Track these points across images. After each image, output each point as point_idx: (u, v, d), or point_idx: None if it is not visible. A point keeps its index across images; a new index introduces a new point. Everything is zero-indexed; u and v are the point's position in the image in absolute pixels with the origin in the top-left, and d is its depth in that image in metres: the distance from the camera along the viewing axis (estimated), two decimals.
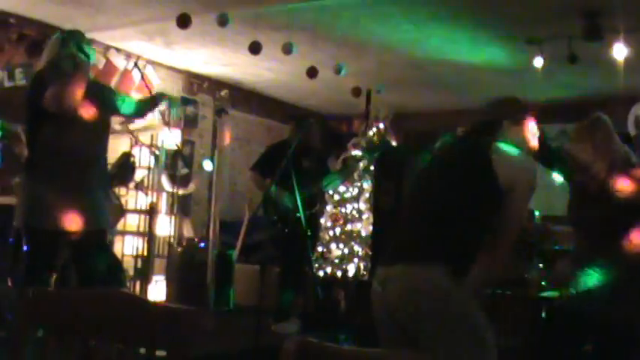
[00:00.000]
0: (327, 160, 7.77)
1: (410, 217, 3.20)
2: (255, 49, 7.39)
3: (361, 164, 8.35)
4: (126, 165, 7.35)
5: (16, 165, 6.55)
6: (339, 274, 8.10)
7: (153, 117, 8.48)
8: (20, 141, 6.79)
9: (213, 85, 10.37)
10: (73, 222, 4.49)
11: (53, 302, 2.06)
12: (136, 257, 8.27)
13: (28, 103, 4.63)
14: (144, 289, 7.82)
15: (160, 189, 8.79)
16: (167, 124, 8.31)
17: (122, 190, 8.06)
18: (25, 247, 4.62)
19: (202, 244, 8.67)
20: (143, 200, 8.61)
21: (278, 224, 6.94)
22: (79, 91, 4.48)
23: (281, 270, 7.18)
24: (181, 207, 9.49)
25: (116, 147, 8.05)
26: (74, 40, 4.80)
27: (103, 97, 4.87)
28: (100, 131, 4.80)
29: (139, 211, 8.55)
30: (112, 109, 4.94)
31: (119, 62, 8.66)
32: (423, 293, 2.92)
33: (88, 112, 4.61)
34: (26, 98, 4.68)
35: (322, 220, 8.50)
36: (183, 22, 6.66)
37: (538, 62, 7.69)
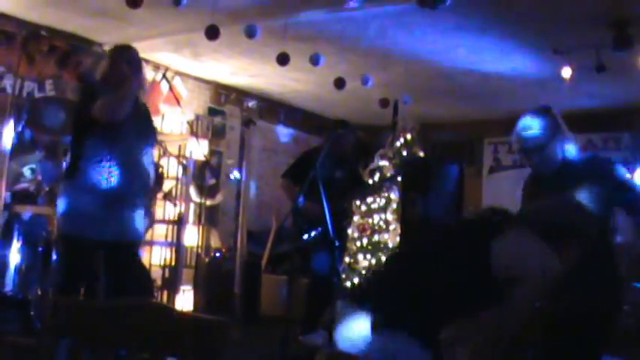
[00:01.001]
0: (358, 171, 7.75)
1: None
2: (282, 60, 7.41)
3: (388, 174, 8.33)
4: (154, 175, 7.41)
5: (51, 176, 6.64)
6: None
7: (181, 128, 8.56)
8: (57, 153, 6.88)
9: (241, 95, 10.42)
10: (111, 232, 4.53)
11: (82, 312, 2.08)
12: (163, 267, 8.31)
13: (76, 113, 4.72)
14: (172, 299, 7.85)
15: (187, 199, 8.83)
16: (195, 134, 8.36)
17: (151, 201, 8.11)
18: (56, 255, 4.67)
19: (217, 254, 8.70)
20: (171, 210, 8.66)
21: (306, 234, 6.91)
22: (126, 103, 4.55)
23: (309, 281, 7.18)
24: (209, 217, 9.53)
25: None
26: (125, 55, 4.88)
27: (148, 117, 4.95)
28: (145, 144, 4.84)
29: (167, 221, 8.60)
30: (152, 134, 5.01)
31: (147, 73, 8.72)
32: None
33: (133, 125, 4.68)
34: (75, 109, 4.77)
35: (350, 231, 8.49)
36: (212, 33, 6.69)
37: (566, 72, 7.65)
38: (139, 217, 4.72)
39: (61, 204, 4.58)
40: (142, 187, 4.77)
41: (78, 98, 4.98)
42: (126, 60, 4.79)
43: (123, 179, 4.60)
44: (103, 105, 4.50)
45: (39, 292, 6.00)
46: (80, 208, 4.52)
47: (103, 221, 4.49)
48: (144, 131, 4.83)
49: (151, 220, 5.27)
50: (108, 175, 4.56)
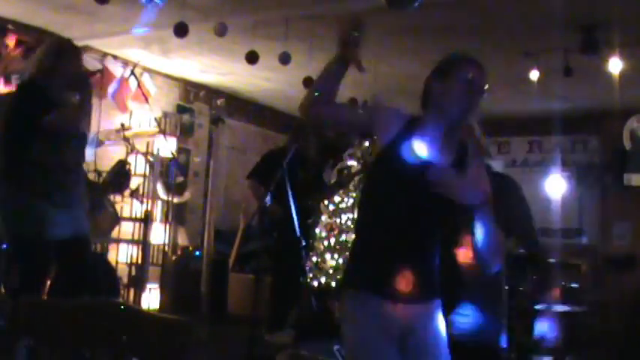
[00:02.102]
0: (322, 172, 7.76)
1: None
2: (251, 58, 7.39)
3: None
4: (121, 172, 7.35)
5: None
6: (333, 284, 8.07)
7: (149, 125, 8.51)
8: None
9: (210, 93, 10.38)
10: (61, 230, 4.49)
11: (45, 311, 2.05)
12: (130, 265, 8.26)
13: (18, 113, 4.56)
14: (138, 297, 7.81)
15: (155, 197, 8.78)
16: (163, 132, 8.30)
17: (117, 198, 8.05)
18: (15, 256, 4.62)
19: (197, 253, 8.67)
20: (138, 208, 8.60)
21: (273, 234, 6.92)
22: (86, 113, 4.50)
23: (273, 280, 7.18)
24: (176, 215, 9.49)
25: (111, 154, 8.05)
26: (77, 54, 4.80)
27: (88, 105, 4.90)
28: (84, 143, 4.81)
29: (134, 219, 8.54)
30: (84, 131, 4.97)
31: (116, 70, 8.67)
32: None
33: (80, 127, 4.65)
34: (16, 108, 4.61)
35: (317, 230, 8.49)
36: (181, 30, 6.66)
37: (534, 75, 7.70)
38: (83, 214, 4.70)
39: (4, 205, 4.53)
40: (81, 183, 4.75)
41: (20, 95, 4.77)
42: (80, 60, 4.73)
43: (67, 179, 4.56)
44: (61, 117, 4.43)
45: (2, 291, 5.92)
46: (26, 209, 4.46)
47: (50, 220, 4.45)
48: (83, 127, 4.80)
49: (116, 218, 5.23)
50: (52, 175, 4.50)
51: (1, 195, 4.56)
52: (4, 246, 5.51)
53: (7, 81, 7.63)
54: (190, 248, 9.06)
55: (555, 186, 10.59)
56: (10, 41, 7.67)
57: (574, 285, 8.22)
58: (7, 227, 4.62)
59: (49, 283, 4.74)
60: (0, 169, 4.56)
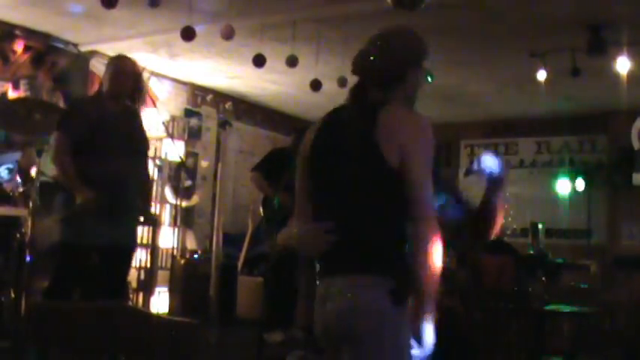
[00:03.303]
0: None
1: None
2: (259, 61, 7.40)
3: None
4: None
5: (22, 177, 6.58)
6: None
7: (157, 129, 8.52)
8: (28, 154, 6.82)
9: (217, 97, 10.39)
10: (107, 240, 4.54)
11: (56, 315, 2.06)
12: (139, 269, 8.27)
13: (67, 127, 4.70)
14: (147, 301, 7.81)
15: (163, 201, 8.79)
16: (171, 136, 8.32)
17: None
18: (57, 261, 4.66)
19: (195, 256, 8.67)
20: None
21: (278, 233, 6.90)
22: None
23: (272, 279, 7.17)
24: (184, 219, 9.50)
25: None
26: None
27: (140, 124, 4.99)
28: (137, 150, 4.86)
29: (143, 223, 8.55)
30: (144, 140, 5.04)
31: None
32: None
33: (126, 134, 4.72)
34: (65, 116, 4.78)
35: None
36: (188, 34, 6.66)
37: (541, 75, 7.69)
38: (133, 225, 4.76)
39: (62, 210, 4.59)
40: (137, 193, 4.80)
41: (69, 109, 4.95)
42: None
43: (118, 187, 4.61)
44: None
45: (12, 295, 5.94)
46: (79, 216, 4.52)
47: (101, 229, 4.50)
48: (136, 138, 4.87)
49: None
50: (107, 184, 4.56)
51: (59, 203, 4.65)
52: (28, 258, 5.53)
53: (16, 86, 7.66)
54: (199, 252, 9.06)
55: (563, 186, 10.57)
56: (19, 47, 7.70)
57: (583, 285, 8.20)
58: (59, 230, 4.68)
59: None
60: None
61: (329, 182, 2.73)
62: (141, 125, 5.07)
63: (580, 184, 10.36)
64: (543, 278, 7.03)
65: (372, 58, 2.91)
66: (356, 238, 2.63)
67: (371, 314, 2.54)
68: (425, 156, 2.64)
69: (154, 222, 6.30)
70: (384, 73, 2.87)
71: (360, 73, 2.91)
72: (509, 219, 10.69)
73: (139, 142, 4.99)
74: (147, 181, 5.25)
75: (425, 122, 2.74)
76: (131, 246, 4.93)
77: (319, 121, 2.93)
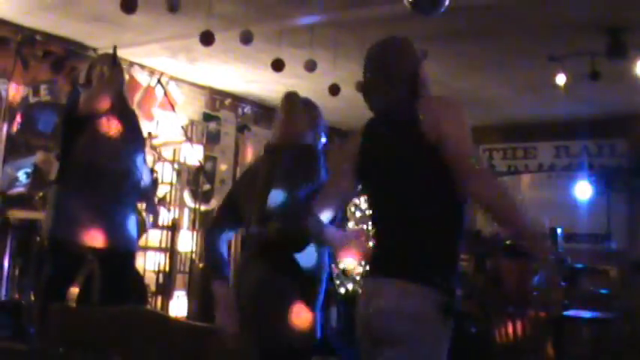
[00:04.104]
0: None
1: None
2: (277, 66, 7.41)
3: None
4: (150, 179, 7.40)
5: (41, 180, 6.62)
6: (360, 291, 8.08)
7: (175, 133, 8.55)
8: (47, 157, 6.87)
9: (236, 101, 10.42)
10: (100, 239, 4.50)
11: (75, 318, 2.07)
12: (157, 273, 8.30)
13: (63, 115, 4.73)
14: (165, 305, 7.84)
15: (182, 205, 8.82)
16: (189, 140, 8.35)
17: (144, 206, 8.10)
18: (43, 260, 4.65)
19: None
20: (165, 216, 8.65)
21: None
22: (107, 95, 4.58)
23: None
24: (203, 223, 9.52)
25: None
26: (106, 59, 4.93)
27: (134, 119, 4.96)
28: (134, 148, 4.83)
29: (162, 227, 8.59)
30: (140, 138, 5.02)
31: (142, 78, 8.72)
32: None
33: (117, 125, 4.67)
34: (62, 112, 4.79)
35: None
36: (207, 39, 6.68)
37: (560, 79, 7.66)
38: (131, 224, 4.70)
39: (49, 207, 4.57)
40: (131, 192, 4.75)
41: (66, 102, 4.98)
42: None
43: (110, 181, 4.58)
44: (84, 97, 4.57)
45: (32, 298, 5.97)
46: (66, 212, 4.50)
47: (89, 226, 4.47)
48: (132, 136, 4.83)
49: (143, 226, 5.24)
50: (94, 177, 4.54)
51: (52, 198, 4.64)
52: (34, 254, 5.55)
53: (36, 91, 7.71)
54: None
55: (582, 191, 10.52)
56: (38, 52, 7.75)
57: (603, 291, 8.16)
58: (46, 227, 4.67)
59: (78, 290, 4.75)
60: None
61: (384, 186, 2.80)
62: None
63: (599, 188, 10.31)
64: (562, 283, 6.99)
65: (388, 61, 3.08)
66: (410, 244, 2.69)
67: (414, 320, 2.59)
68: (466, 131, 2.74)
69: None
70: (402, 73, 2.99)
71: (380, 82, 3.05)
72: None
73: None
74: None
75: (457, 101, 2.93)
76: (129, 249, 4.86)
77: (363, 127, 3.05)
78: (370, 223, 2.95)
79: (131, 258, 4.93)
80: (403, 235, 2.70)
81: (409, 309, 2.59)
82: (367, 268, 2.85)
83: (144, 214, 7.77)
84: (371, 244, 2.88)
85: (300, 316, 3.36)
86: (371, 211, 2.93)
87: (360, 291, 2.84)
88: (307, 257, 3.37)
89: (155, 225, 7.48)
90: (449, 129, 2.67)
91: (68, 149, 4.61)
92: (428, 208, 2.69)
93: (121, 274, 4.71)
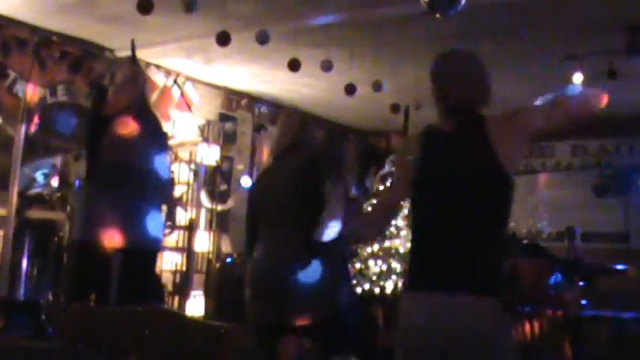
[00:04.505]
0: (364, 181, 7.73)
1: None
2: (294, 66, 7.42)
3: None
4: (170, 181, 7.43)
5: (59, 181, 6.65)
6: (377, 290, 8.05)
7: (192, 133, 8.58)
8: (66, 159, 6.90)
9: (252, 101, 10.43)
10: (126, 238, 4.53)
11: (94, 318, 2.08)
12: (174, 272, 8.32)
13: (89, 115, 4.78)
14: (182, 305, 7.86)
15: (198, 205, 8.84)
16: (206, 140, 8.36)
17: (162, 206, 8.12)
18: (69, 260, 4.68)
19: (230, 259, 8.69)
20: (182, 216, 8.67)
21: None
22: (130, 94, 4.64)
23: None
24: (220, 223, 9.54)
25: None
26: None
27: (155, 119, 5.01)
28: (157, 150, 4.86)
29: (178, 227, 8.61)
30: (163, 140, 5.06)
31: (159, 79, 8.75)
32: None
33: (140, 125, 4.71)
34: (88, 115, 4.84)
35: None
36: (223, 39, 6.70)
37: (577, 78, 7.62)
38: (156, 223, 4.73)
39: (78, 208, 4.62)
40: (156, 191, 4.78)
41: (91, 102, 5.05)
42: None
43: (135, 180, 4.61)
44: (110, 95, 4.68)
45: (50, 297, 6.00)
46: (94, 213, 4.54)
47: (115, 227, 4.50)
48: (155, 136, 4.86)
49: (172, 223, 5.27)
50: (120, 175, 4.58)
51: (81, 198, 4.68)
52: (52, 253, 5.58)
53: (53, 92, 7.75)
54: (234, 255, 9.09)
55: (600, 190, 10.47)
56: (56, 53, 7.79)
57: (621, 290, 8.11)
58: (75, 228, 4.71)
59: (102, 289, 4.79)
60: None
61: (450, 199, 2.78)
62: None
63: (617, 187, 10.25)
64: (580, 283, 6.96)
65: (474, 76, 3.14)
66: (480, 258, 2.70)
67: (486, 332, 2.62)
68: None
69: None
70: (486, 90, 3.13)
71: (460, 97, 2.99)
72: (545, 223, 10.62)
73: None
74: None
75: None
76: (154, 247, 4.89)
77: (422, 136, 2.94)
78: (414, 233, 2.90)
79: (154, 257, 4.96)
80: (471, 248, 2.70)
81: (488, 325, 2.63)
82: (410, 279, 2.80)
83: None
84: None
85: None
86: (419, 222, 2.88)
87: (403, 302, 2.78)
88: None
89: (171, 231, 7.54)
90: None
91: (94, 149, 4.64)
92: (496, 222, 2.76)
93: (144, 273, 4.75)
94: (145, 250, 4.69)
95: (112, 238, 4.49)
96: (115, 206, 4.52)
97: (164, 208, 4.98)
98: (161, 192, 4.86)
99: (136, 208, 4.60)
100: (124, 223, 4.53)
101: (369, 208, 2.95)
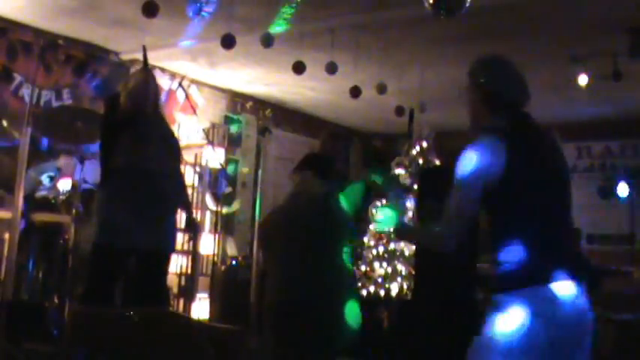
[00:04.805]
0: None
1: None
2: (298, 68, 7.42)
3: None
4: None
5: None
6: (382, 293, 8.05)
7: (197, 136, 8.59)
8: (70, 161, 6.92)
9: (257, 104, 10.44)
10: (141, 241, 4.56)
11: (99, 321, 2.08)
12: (180, 275, 8.32)
13: (103, 120, 4.79)
14: (188, 307, 7.86)
15: (203, 207, 8.84)
16: (211, 143, 8.37)
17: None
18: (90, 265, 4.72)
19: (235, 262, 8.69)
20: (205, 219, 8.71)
21: None
22: (144, 98, 4.68)
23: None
24: (225, 225, 9.54)
25: None
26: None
27: (170, 131, 5.06)
28: (172, 150, 4.91)
29: (183, 230, 8.62)
30: (176, 147, 5.09)
31: (164, 82, 8.76)
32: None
33: (158, 139, 4.76)
34: (102, 117, 4.86)
35: (366, 239, 8.47)
36: (228, 42, 6.70)
37: (582, 80, 7.62)
38: (169, 227, 4.78)
39: (96, 212, 4.65)
40: (171, 194, 4.83)
41: (104, 110, 5.06)
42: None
43: (151, 183, 4.65)
44: (125, 96, 4.78)
45: (56, 300, 6.01)
46: (111, 217, 4.57)
47: (131, 230, 4.54)
48: (168, 143, 4.91)
49: (195, 228, 5.36)
50: (136, 179, 4.61)
51: (98, 202, 4.72)
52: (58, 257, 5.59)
53: (59, 95, 7.76)
54: (239, 258, 9.10)
55: (606, 191, 10.45)
56: (61, 56, 7.80)
57: (627, 292, 8.09)
58: (94, 232, 4.74)
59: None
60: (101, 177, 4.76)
61: (548, 195, 2.92)
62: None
63: (622, 189, 10.23)
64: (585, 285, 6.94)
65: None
66: (572, 250, 2.98)
67: (590, 319, 2.91)
68: None
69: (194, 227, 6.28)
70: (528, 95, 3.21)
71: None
72: None
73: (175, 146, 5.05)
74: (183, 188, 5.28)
75: None
76: (167, 250, 4.94)
77: (503, 139, 2.90)
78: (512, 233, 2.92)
79: (167, 259, 5.00)
80: (567, 241, 2.95)
81: (590, 311, 2.90)
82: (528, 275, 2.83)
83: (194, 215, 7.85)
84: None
85: None
86: (518, 219, 2.89)
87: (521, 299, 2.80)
88: None
89: (196, 241, 7.61)
90: None
91: (109, 154, 4.68)
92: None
93: (157, 275, 4.79)
94: (159, 253, 4.74)
95: (128, 242, 4.53)
96: (129, 209, 4.56)
97: (182, 212, 5.04)
98: (175, 196, 4.91)
99: (149, 210, 4.64)
100: (139, 226, 4.56)
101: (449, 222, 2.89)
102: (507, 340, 2.72)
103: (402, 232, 3.21)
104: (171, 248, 4.96)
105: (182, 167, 5.21)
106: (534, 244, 2.81)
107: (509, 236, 2.83)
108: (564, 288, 2.78)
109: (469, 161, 2.83)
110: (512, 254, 2.80)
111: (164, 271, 5.04)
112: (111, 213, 4.60)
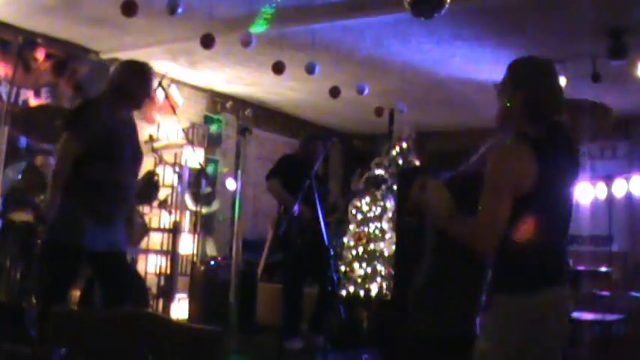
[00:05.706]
0: (327, 182, 7.74)
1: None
2: (278, 68, 7.42)
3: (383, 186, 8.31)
4: (149, 184, 7.39)
5: (39, 181, 6.61)
6: (361, 293, 8.07)
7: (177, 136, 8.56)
8: (44, 159, 6.87)
9: (237, 104, 10.42)
10: (100, 241, 4.54)
11: (77, 321, 2.07)
12: (159, 275, 8.30)
13: (74, 128, 4.66)
14: (167, 308, 7.84)
15: (183, 207, 8.82)
16: (191, 142, 8.34)
17: (145, 209, 8.11)
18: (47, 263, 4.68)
19: (213, 262, 8.68)
20: (167, 219, 8.65)
21: (298, 241, 6.86)
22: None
23: (287, 286, 7.17)
24: (204, 225, 9.52)
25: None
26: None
27: (136, 132, 5.01)
28: (136, 160, 4.89)
29: (163, 230, 8.59)
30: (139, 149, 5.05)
31: None
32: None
33: (128, 142, 4.74)
34: (75, 125, 4.70)
35: (345, 239, 8.49)
36: (207, 42, 6.70)
37: (561, 81, 7.64)
38: (123, 229, 4.77)
39: (56, 212, 4.59)
40: (130, 200, 4.84)
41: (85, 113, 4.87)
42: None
43: (118, 198, 4.63)
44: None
45: (33, 301, 5.97)
46: (71, 216, 4.52)
47: (91, 230, 4.50)
48: (136, 147, 4.88)
49: (144, 229, 5.31)
50: (106, 193, 4.58)
51: (55, 206, 4.67)
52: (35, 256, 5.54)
53: (37, 94, 7.72)
54: (219, 258, 9.08)
55: (584, 192, 10.50)
56: (40, 55, 7.75)
57: (604, 293, 8.15)
58: (48, 233, 4.69)
59: (80, 293, 4.79)
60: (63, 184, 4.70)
61: (561, 200, 2.97)
62: (137, 132, 5.07)
63: (601, 190, 10.28)
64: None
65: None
66: (566, 254, 3.02)
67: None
68: None
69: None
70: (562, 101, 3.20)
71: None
72: None
73: (139, 149, 5.01)
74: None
75: None
76: (124, 251, 4.94)
77: (528, 141, 2.89)
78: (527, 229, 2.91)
79: (124, 257, 4.98)
80: (565, 245, 3.00)
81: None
82: (531, 277, 2.82)
83: (145, 217, 7.79)
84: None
85: None
86: (529, 224, 2.86)
87: (526, 300, 2.80)
88: None
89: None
90: None
91: (85, 166, 4.64)
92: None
93: (120, 273, 4.77)
94: (118, 252, 4.72)
95: (85, 240, 4.50)
96: (86, 208, 4.52)
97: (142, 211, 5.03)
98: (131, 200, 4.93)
99: (108, 210, 4.61)
100: (97, 226, 4.53)
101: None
102: (505, 340, 2.76)
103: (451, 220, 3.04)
104: (125, 247, 4.96)
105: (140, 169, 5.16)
106: (542, 247, 2.84)
107: (516, 239, 2.82)
108: (563, 290, 2.87)
109: (504, 164, 2.84)
110: (517, 257, 2.82)
111: (126, 269, 5.06)
112: (67, 210, 4.55)
